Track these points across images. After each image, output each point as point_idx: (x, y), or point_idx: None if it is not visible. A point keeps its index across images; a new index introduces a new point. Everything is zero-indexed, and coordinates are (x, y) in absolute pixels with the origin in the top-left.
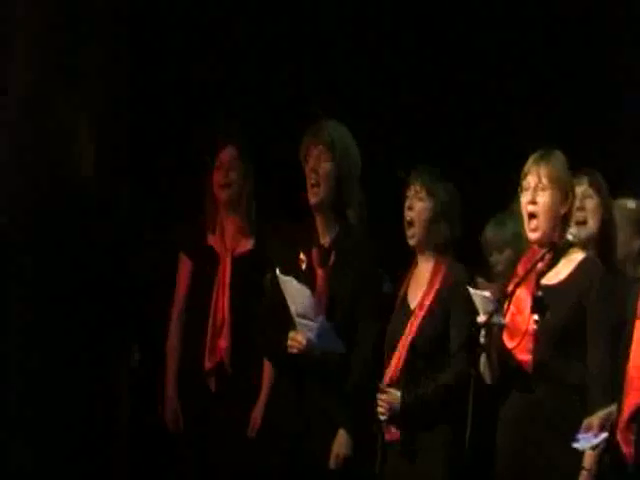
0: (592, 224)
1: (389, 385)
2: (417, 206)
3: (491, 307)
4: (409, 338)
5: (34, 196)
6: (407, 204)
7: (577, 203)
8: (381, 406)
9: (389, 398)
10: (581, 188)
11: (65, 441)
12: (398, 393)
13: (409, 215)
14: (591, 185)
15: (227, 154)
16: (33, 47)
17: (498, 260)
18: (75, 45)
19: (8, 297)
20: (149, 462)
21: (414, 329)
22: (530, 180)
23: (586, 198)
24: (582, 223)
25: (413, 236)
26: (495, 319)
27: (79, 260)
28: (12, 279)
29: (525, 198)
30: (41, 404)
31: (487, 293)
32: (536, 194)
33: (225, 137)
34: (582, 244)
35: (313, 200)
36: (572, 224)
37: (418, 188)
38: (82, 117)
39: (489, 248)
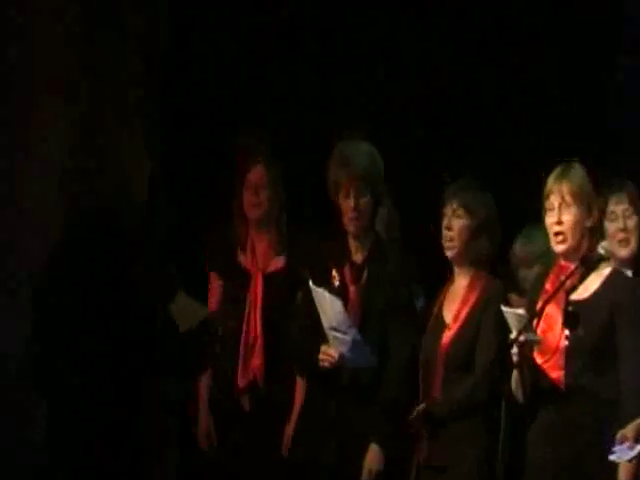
0: (634, 243)
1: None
2: (455, 225)
3: (524, 324)
4: (443, 352)
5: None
6: (445, 223)
7: (620, 224)
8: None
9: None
10: (621, 206)
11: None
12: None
13: (448, 234)
14: (631, 203)
15: (256, 174)
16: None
17: (527, 276)
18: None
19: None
20: None
21: (448, 343)
22: (553, 200)
23: (627, 218)
24: (624, 242)
25: (451, 250)
26: (529, 336)
27: (112, 279)
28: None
29: (550, 219)
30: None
31: (521, 310)
32: (561, 213)
33: (254, 157)
34: (625, 263)
35: (353, 230)
36: (599, 237)
37: (455, 206)
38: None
39: (517, 264)
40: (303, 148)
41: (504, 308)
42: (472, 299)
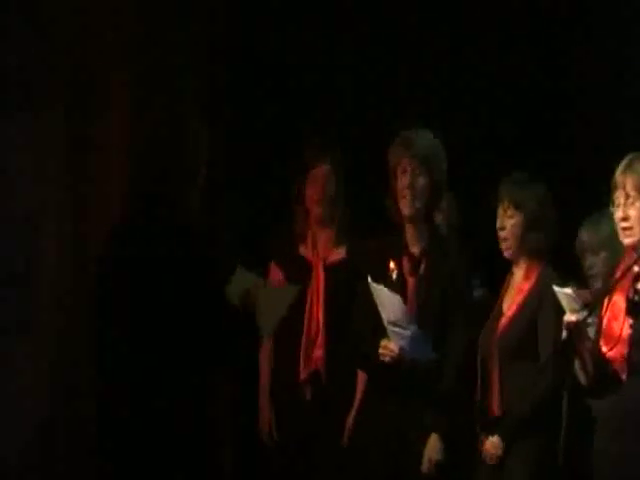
0: None
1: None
2: (508, 224)
3: (575, 304)
4: (497, 340)
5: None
6: (498, 224)
7: None
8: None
9: (490, 448)
10: None
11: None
12: (496, 441)
13: (501, 234)
14: None
15: (322, 170)
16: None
17: (593, 263)
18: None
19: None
20: (246, 473)
21: (501, 331)
22: (619, 195)
23: None
24: None
25: (507, 249)
26: (580, 316)
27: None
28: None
29: (617, 214)
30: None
31: (569, 290)
32: (627, 209)
33: (320, 153)
34: None
35: (408, 213)
36: None
37: (506, 205)
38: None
39: (583, 251)
40: (367, 144)
41: (556, 288)
42: (526, 287)
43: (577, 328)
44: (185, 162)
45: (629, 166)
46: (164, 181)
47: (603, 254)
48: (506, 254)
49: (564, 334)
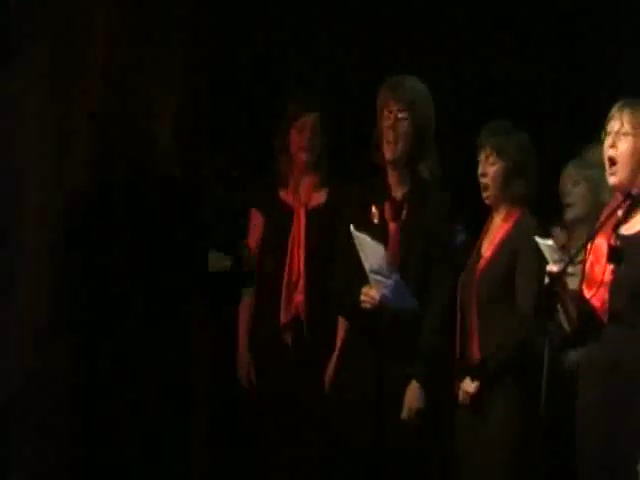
0: None
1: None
2: (489, 171)
3: (557, 255)
4: (475, 283)
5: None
6: (480, 170)
7: None
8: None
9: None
10: None
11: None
12: (472, 384)
13: (483, 180)
14: None
15: (309, 119)
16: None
17: (571, 191)
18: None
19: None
20: (226, 420)
21: (479, 273)
22: (613, 124)
23: None
24: None
25: (488, 197)
26: (560, 267)
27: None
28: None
29: (607, 142)
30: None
31: (550, 241)
32: (617, 138)
33: (308, 103)
34: None
35: (390, 156)
36: None
37: (488, 151)
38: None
39: (565, 181)
40: (353, 92)
41: (537, 239)
42: (504, 230)
43: (559, 278)
44: (162, 109)
45: (628, 103)
46: (143, 131)
47: (583, 186)
48: (487, 201)
49: (546, 283)
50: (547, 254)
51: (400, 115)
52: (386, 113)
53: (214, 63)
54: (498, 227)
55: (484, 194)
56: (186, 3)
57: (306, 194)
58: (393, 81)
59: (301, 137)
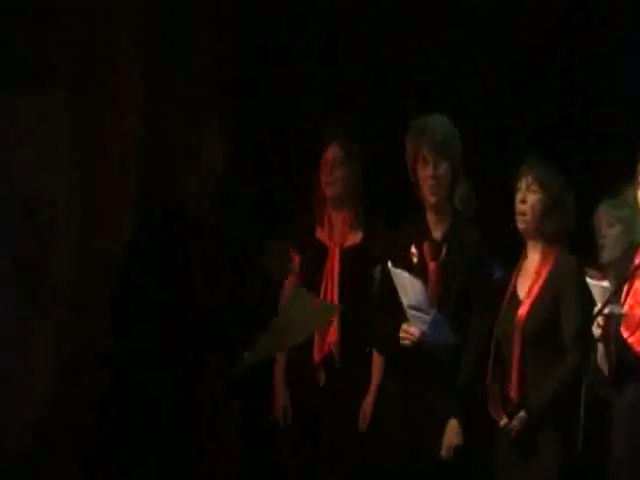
0: None
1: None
2: (530, 199)
3: (608, 296)
4: (519, 328)
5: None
6: (519, 197)
7: None
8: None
9: (517, 424)
10: None
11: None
12: (523, 415)
13: (521, 208)
14: None
15: (332, 152)
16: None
17: (607, 234)
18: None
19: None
20: (261, 458)
21: (522, 319)
22: None
23: None
24: None
25: (524, 223)
26: (613, 309)
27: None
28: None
29: None
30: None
31: (605, 283)
32: None
33: (330, 135)
34: None
35: (433, 200)
36: None
37: (530, 180)
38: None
39: (599, 222)
40: (381, 130)
41: (589, 280)
42: (544, 273)
43: (604, 318)
44: (198, 149)
45: None
46: (176, 171)
47: (617, 228)
48: (521, 226)
49: (598, 324)
50: (599, 296)
51: (437, 160)
52: (421, 160)
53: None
54: (538, 266)
55: (520, 223)
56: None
57: (341, 233)
58: (421, 125)
59: (325, 171)
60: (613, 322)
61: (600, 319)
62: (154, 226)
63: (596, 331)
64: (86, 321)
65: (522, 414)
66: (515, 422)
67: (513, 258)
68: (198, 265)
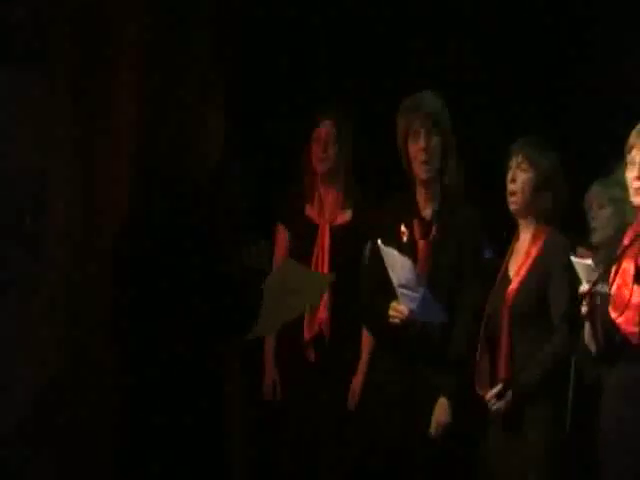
0: None
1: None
2: (520, 177)
3: (594, 276)
4: (507, 306)
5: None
6: (510, 176)
7: None
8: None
9: (503, 405)
10: None
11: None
12: (509, 395)
13: (512, 187)
14: None
15: (325, 129)
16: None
17: (597, 215)
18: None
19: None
20: (250, 437)
21: (511, 296)
22: (635, 155)
23: None
24: None
25: (514, 203)
26: (599, 288)
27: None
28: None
29: (631, 173)
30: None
31: (589, 261)
32: None
33: (323, 112)
34: None
35: (424, 176)
36: None
37: (520, 159)
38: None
39: (590, 203)
40: (373, 106)
41: (574, 259)
42: (534, 252)
43: (590, 297)
44: (198, 128)
45: None
46: (173, 146)
47: (609, 209)
48: (512, 207)
49: (584, 303)
50: (583, 274)
51: (430, 133)
52: (413, 134)
53: (243, 74)
54: (528, 246)
55: (511, 202)
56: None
57: (331, 211)
58: (413, 101)
59: (317, 147)
60: (598, 301)
61: (584, 298)
62: (153, 206)
63: (583, 309)
64: (85, 304)
65: (508, 394)
66: (501, 403)
67: (506, 239)
68: (198, 246)
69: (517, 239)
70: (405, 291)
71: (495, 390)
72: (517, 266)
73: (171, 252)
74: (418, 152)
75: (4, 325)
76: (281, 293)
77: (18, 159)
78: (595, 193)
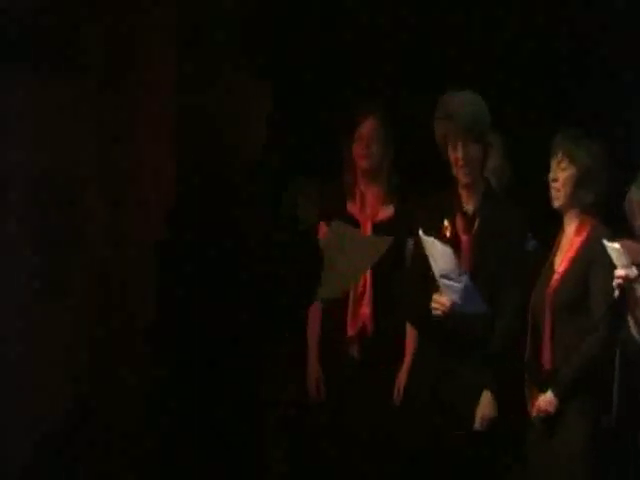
0: None
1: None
2: (560, 177)
3: (626, 260)
4: (550, 297)
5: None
6: (551, 175)
7: None
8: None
9: (543, 404)
10: None
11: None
12: (549, 397)
13: (554, 186)
14: None
15: (370, 125)
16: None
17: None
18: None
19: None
20: (294, 431)
21: (554, 287)
22: None
23: None
24: None
25: (557, 200)
26: (630, 271)
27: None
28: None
29: None
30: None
31: (617, 244)
32: None
33: (366, 109)
34: None
35: (465, 180)
36: None
37: (560, 157)
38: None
39: (633, 210)
40: (412, 101)
41: (605, 242)
42: (577, 243)
43: (627, 283)
44: (234, 122)
45: None
46: (213, 142)
47: None
48: (556, 204)
49: (615, 290)
50: (614, 257)
51: (466, 142)
52: (450, 143)
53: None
54: (571, 239)
55: (554, 200)
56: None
57: (373, 207)
58: (448, 108)
59: (361, 145)
60: (630, 284)
61: (616, 280)
62: (193, 197)
63: (616, 293)
64: (126, 300)
65: (549, 394)
66: (541, 403)
67: (549, 229)
68: (239, 236)
69: (562, 232)
70: (447, 282)
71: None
72: (561, 258)
73: (216, 241)
74: (457, 159)
75: (41, 323)
76: (338, 254)
77: (56, 153)
78: (635, 198)
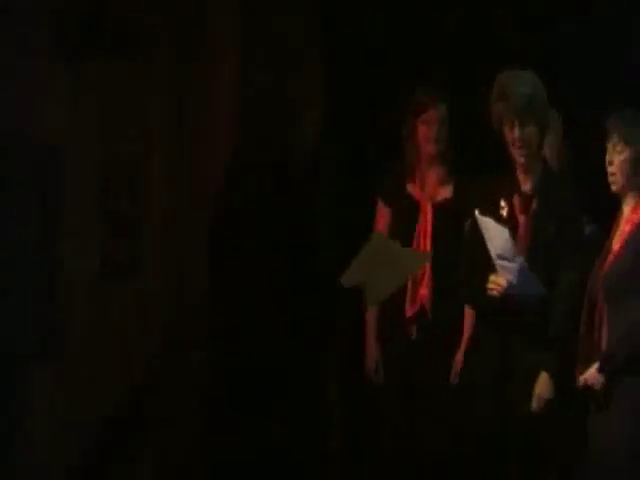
0: None
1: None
2: (616, 159)
3: None
4: (601, 278)
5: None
6: (607, 158)
7: None
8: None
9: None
10: None
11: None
12: (594, 372)
13: (610, 169)
14: None
15: (437, 111)
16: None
17: None
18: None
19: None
20: (353, 412)
21: (606, 270)
22: None
23: None
24: None
25: (614, 184)
26: None
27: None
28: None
29: None
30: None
31: None
32: None
33: (435, 93)
34: None
35: (521, 160)
36: None
37: (615, 140)
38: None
39: None
40: (472, 81)
41: None
42: (632, 222)
43: None
44: (294, 100)
45: None
46: (273, 122)
47: None
48: (613, 188)
49: None
50: None
51: (523, 124)
52: (507, 124)
53: (343, 53)
54: (627, 219)
55: (611, 182)
56: None
57: (433, 187)
58: (505, 88)
59: (429, 129)
60: None
61: None
62: (249, 188)
63: None
64: (183, 288)
65: (593, 370)
66: (588, 377)
67: (608, 210)
68: (291, 225)
69: (621, 214)
70: (503, 262)
71: (590, 371)
72: (617, 239)
73: (267, 236)
74: (514, 140)
75: (105, 308)
76: (374, 265)
77: (116, 144)
78: None
